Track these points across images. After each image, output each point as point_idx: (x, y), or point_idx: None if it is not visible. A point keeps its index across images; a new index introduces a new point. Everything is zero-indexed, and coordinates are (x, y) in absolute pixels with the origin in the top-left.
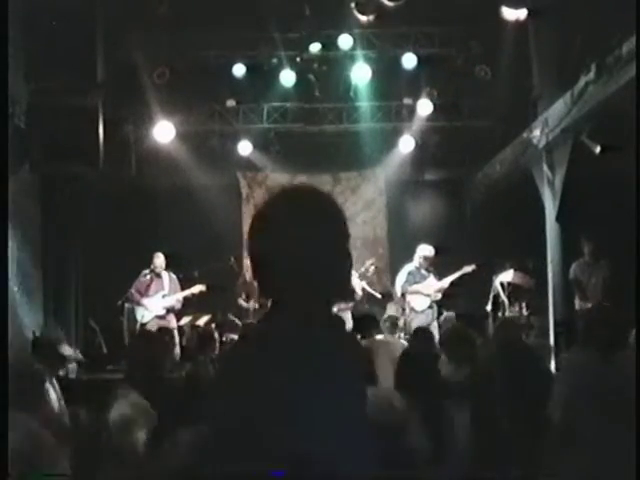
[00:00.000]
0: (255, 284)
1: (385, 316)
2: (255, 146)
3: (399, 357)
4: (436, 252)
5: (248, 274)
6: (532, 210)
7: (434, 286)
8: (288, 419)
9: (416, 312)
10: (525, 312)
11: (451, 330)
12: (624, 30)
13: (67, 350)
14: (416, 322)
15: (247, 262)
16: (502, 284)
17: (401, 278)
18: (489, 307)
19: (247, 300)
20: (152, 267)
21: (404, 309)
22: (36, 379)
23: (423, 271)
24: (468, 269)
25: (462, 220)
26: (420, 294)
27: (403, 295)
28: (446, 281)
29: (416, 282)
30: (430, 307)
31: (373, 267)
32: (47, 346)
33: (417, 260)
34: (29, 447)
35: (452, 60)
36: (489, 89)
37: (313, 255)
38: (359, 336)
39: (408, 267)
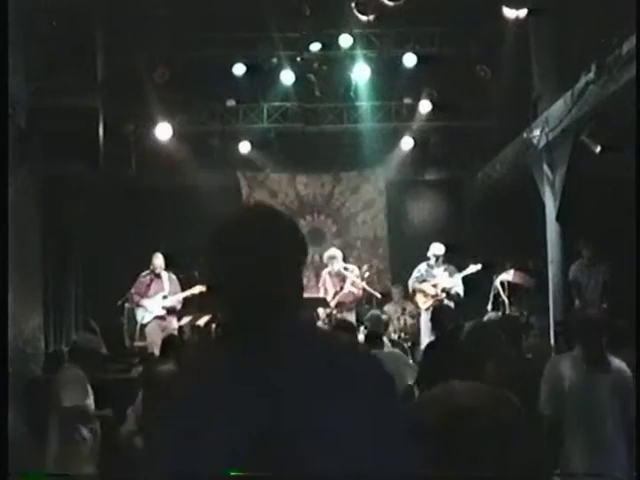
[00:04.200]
0: None
1: (368, 315)
2: (255, 146)
3: None
4: (447, 250)
5: None
6: (532, 210)
7: (440, 284)
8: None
9: (421, 310)
10: (525, 312)
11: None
12: (624, 30)
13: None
14: (421, 319)
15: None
16: (502, 284)
17: (413, 275)
18: (489, 307)
19: None
20: (151, 268)
21: (404, 309)
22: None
23: (433, 269)
24: (475, 268)
25: (462, 220)
26: (423, 292)
27: (414, 292)
28: (452, 281)
29: (424, 280)
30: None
31: (368, 273)
32: (88, 350)
33: (431, 258)
34: None
35: (452, 60)
36: (489, 89)
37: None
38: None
39: (421, 265)
